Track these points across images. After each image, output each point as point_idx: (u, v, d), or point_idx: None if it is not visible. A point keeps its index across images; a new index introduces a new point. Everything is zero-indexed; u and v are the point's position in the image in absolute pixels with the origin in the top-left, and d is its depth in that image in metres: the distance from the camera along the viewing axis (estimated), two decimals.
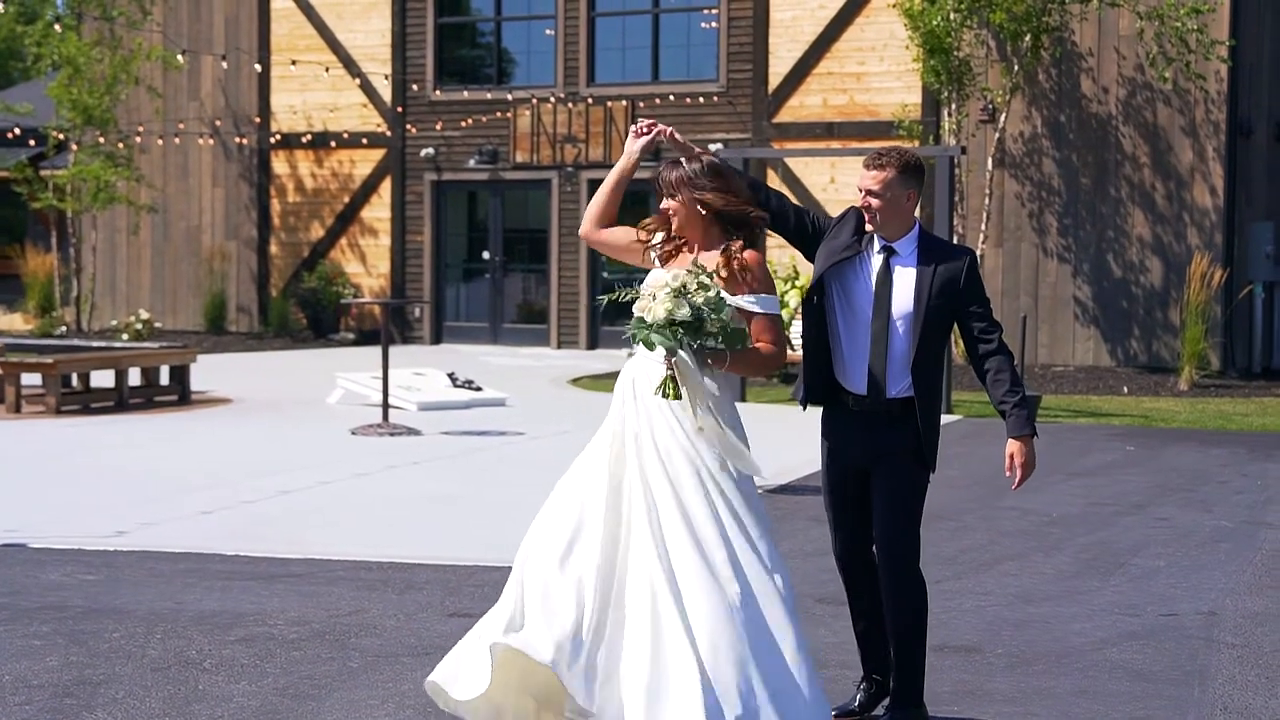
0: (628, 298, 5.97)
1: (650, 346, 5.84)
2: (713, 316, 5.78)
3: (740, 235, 6.09)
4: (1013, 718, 6.75)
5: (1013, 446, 6.32)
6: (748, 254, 6.02)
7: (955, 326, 6.47)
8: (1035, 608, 8.83)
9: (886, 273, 6.38)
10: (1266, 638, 8.19)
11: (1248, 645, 8.03)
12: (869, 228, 6.40)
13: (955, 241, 21.06)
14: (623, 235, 6.30)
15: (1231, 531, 11.35)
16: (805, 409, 6.67)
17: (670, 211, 6.14)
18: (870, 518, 6.48)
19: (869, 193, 6.36)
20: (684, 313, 5.76)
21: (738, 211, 6.07)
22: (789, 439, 14.52)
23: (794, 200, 25.70)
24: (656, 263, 6.16)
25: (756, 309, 5.97)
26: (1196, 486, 13.53)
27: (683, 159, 6.14)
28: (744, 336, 5.92)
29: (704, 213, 6.07)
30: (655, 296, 5.83)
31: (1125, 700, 7.01)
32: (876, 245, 6.41)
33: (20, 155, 32.88)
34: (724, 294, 5.85)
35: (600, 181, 6.42)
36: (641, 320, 5.85)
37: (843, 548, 6.61)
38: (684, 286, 5.79)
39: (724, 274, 5.95)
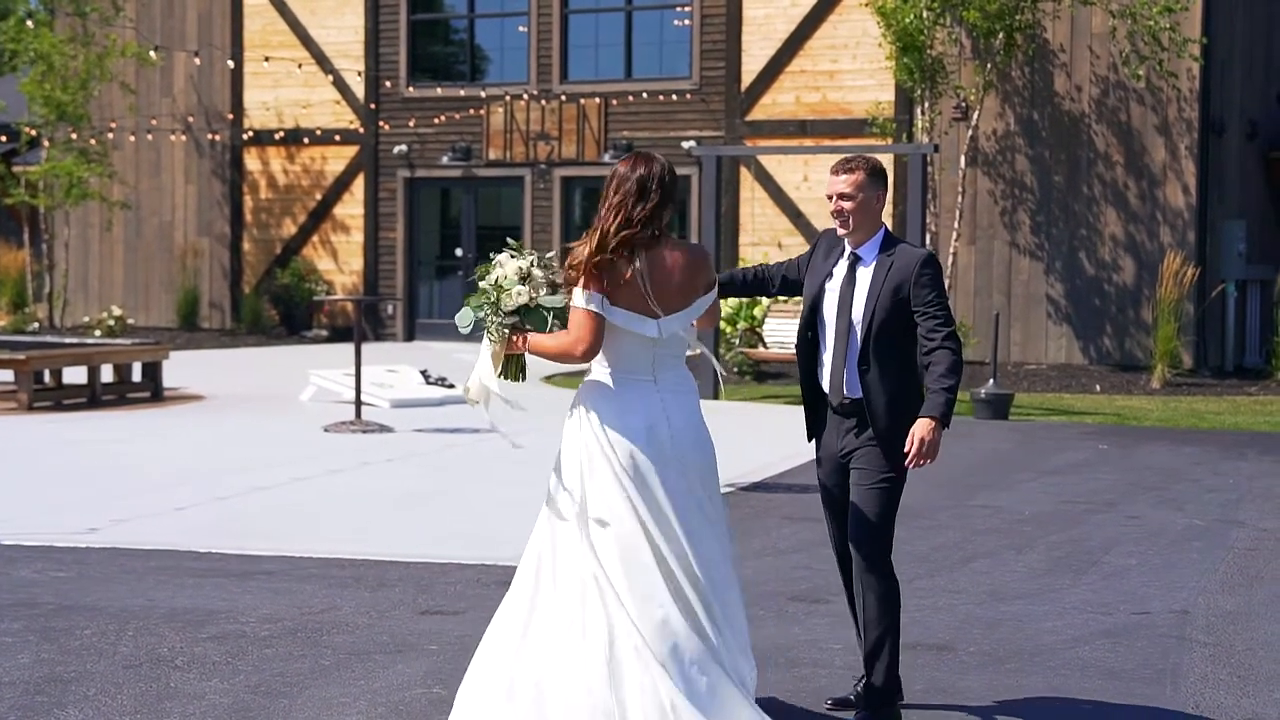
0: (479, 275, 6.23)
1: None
2: (494, 298, 6.03)
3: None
4: (985, 716, 6.76)
5: (917, 424, 6.27)
6: (575, 253, 6.06)
7: None
8: (1007, 606, 8.84)
9: (850, 277, 6.47)
10: (1238, 636, 8.21)
11: (1220, 644, 8.05)
12: (841, 232, 6.47)
13: (928, 239, 21.06)
14: None
15: (1203, 530, 11.38)
16: (810, 440, 6.72)
17: None
18: None
19: (842, 196, 6.44)
20: (485, 285, 6.07)
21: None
22: (762, 438, 14.52)
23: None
24: None
25: (551, 303, 6.07)
26: (1169, 485, 13.56)
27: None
28: (533, 321, 6.05)
29: None
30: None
31: (1097, 698, 7.02)
32: (846, 254, 6.51)
33: None
34: (505, 278, 6.00)
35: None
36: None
37: (835, 545, 6.66)
38: (488, 266, 6.09)
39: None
